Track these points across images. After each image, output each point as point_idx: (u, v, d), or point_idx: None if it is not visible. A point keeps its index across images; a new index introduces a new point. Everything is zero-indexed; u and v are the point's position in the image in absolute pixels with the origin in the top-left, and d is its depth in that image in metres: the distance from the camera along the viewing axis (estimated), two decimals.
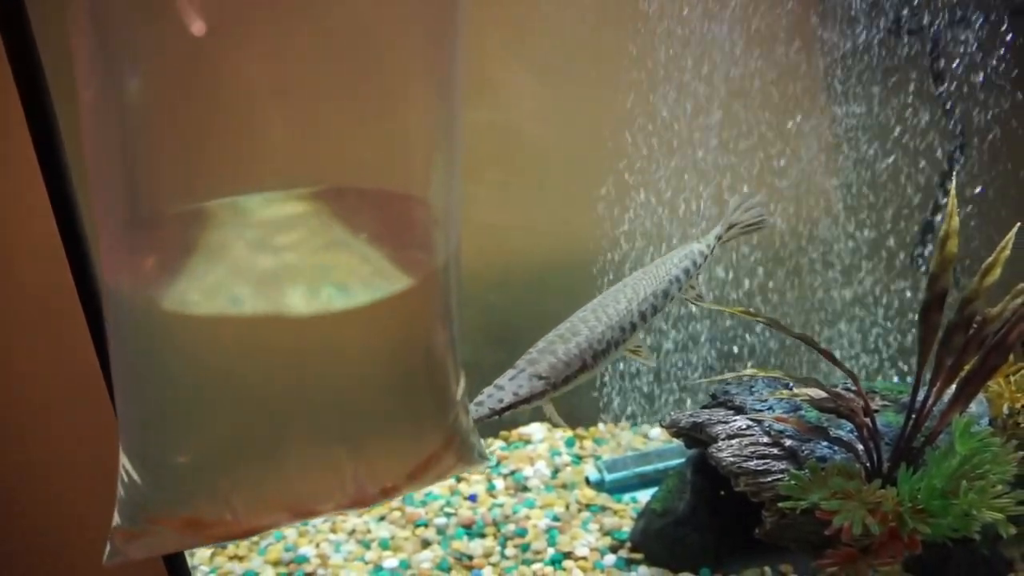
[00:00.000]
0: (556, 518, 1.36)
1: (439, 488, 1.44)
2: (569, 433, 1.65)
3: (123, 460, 0.60)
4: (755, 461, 0.96)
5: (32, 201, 0.73)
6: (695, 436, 1.02)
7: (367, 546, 1.29)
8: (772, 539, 1.01)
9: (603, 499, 1.41)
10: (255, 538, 1.27)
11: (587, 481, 1.47)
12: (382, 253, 0.59)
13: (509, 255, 1.68)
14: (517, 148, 1.58)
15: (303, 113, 0.54)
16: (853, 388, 1.01)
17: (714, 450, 0.96)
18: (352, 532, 1.32)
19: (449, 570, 1.24)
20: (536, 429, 1.65)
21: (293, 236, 0.55)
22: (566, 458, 1.56)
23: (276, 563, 1.23)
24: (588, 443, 1.63)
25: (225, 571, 1.20)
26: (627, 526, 1.32)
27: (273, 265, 0.55)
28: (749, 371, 0.82)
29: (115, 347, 0.58)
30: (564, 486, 1.46)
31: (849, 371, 0.93)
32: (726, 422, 0.98)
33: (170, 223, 0.56)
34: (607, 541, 1.30)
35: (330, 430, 0.59)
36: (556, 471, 1.51)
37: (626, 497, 1.43)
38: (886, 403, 1.18)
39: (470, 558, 1.27)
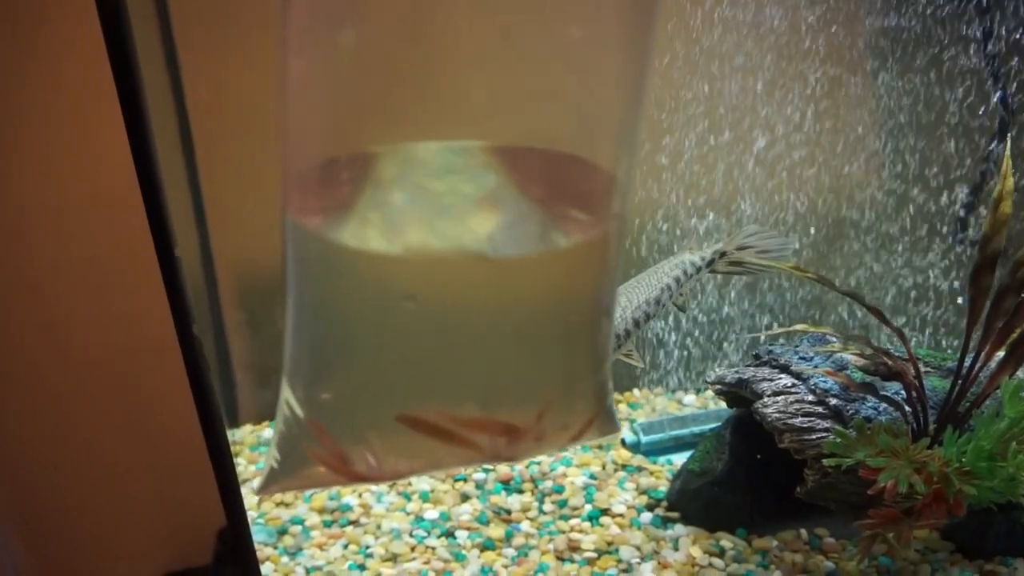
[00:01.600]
0: (593, 476, 1.38)
1: None
2: None
3: (287, 394, 0.63)
4: (800, 418, 0.97)
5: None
6: (739, 393, 1.02)
7: (408, 498, 1.32)
8: (813, 498, 1.02)
9: (639, 460, 1.43)
10: None
11: (623, 443, 1.48)
12: (558, 212, 0.59)
13: None
14: None
15: (502, 69, 0.55)
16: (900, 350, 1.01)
17: (759, 406, 0.97)
18: (393, 484, 1.35)
19: (488, 523, 1.27)
20: None
21: (475, 185, 0.56)
22: None
23: (321, 511, 1.27)
24: (623, 407, 1.65)
25: (272, 517, 1.24)
26: (663, 486, 1.34)
27: (454, 209, 0.56)
28: (800, 326, 0.82)
29: (294, 283, 0.60)
30: (600, 447, 1.48)
31: (898, 329, 0.93)
32: (771, 379, 0.99)
33: (357, 164, 0.57)
34: (644, 499, 1.31)
35: (492, 383, 0.61)
36: None
37: (661, 459, 1.44)
38: (928, 369, 1.17)
39: (508, 512, 1.29)
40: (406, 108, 0.56)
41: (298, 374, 0.62)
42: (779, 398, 0.98)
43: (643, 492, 1.33)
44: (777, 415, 0.97)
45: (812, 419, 0.97)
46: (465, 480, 1.37)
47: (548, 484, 1.36)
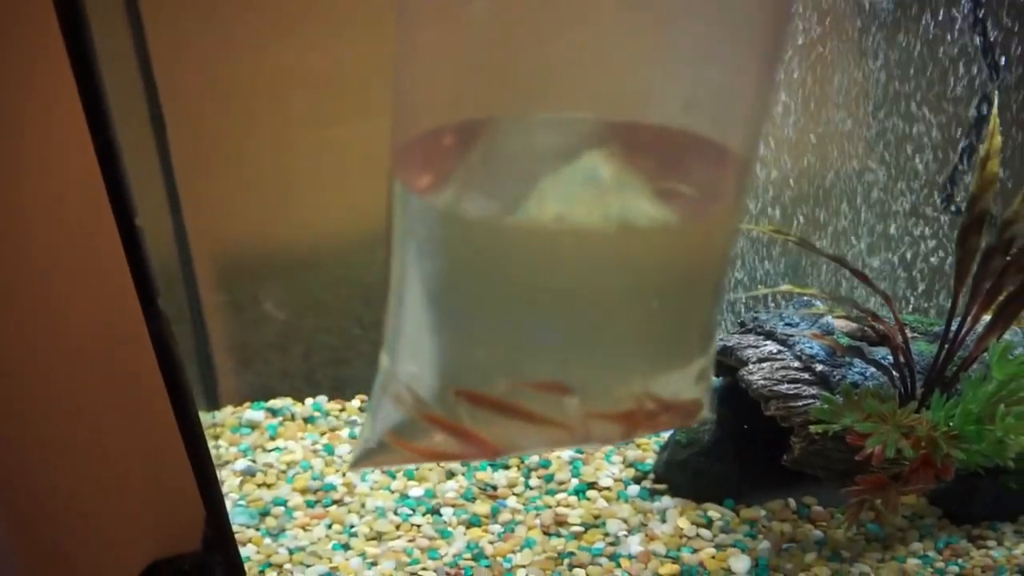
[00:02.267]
0: (579, 450, 1.36)
1: None
2: None
3: (395, 367, 0.62)
4: (786, 385, 0.95)
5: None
6: (725, 362, 1.01)
7: (393, 476, 1.30)
8: (800, 466, 1.01)
9: None
10: (281, 467, 1.29)
11: None
12: (671, 189, 0.58)
13: None
14: None
15: (626, 40, 0.54)
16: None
17: (744, 373, 0.95)
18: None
19: (474, 499, 1.25)
20: None
21: (585, 158, 0.55)
22: None
23: (304, 491, 1.25)
24: None
25: (254, 498, 1.22)
26: (650, 459, 1.33)
27: (562, 181, 0.55)
28: (785, 287, 0.80)
29: (402, 250, 0.60)
30: None
31: (884, 293, 0.92)
32: (756, 346, 0.97)
33: (468, 132, 0.57)
34: (631, 472, 1.30)
35: (592, 359, 0.59)
36: None
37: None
38: (916, 334, 1.16)
39: (494, 488, 1.28)
40: (519, 77, 0.55)
41: (410, 349, 0.61)
42: (764, 365, 0.97)
43: (630, 465, 1.32)
44: (763, 382, 0.95)
45: (798, 385, 0.95)
46: None
47: (534, 459, 1.34)
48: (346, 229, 1.60)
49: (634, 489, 1.26)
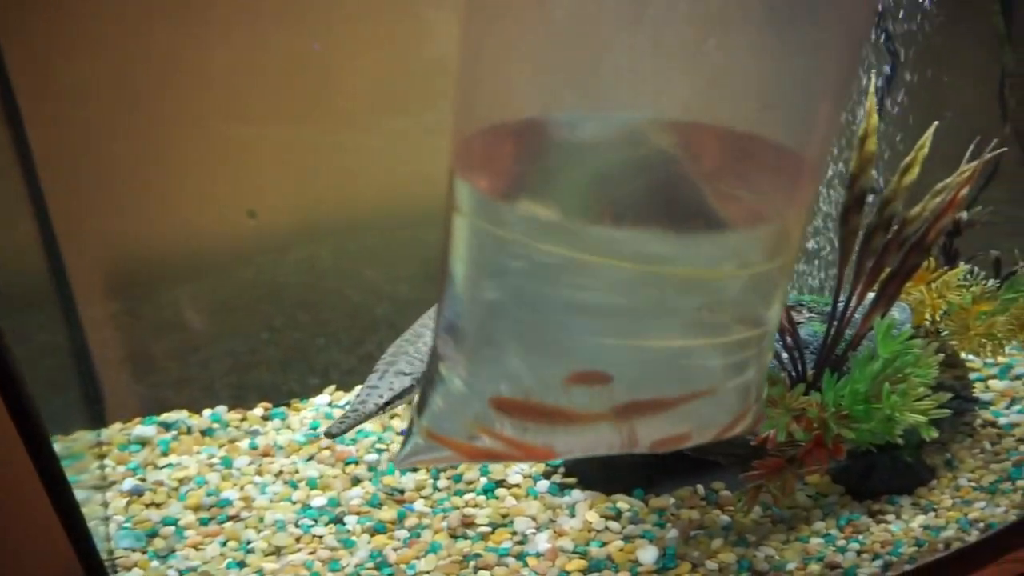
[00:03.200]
0: None
1: (371, 425, 1.40)
2: None
3: (445, 368, 0.61)
4: None
5: None
6: None
7: (294, 486, 1.25)
8: (702, 453, 1.00)
9: None
10: (172, 484, 1.22)
11: None
12: (734, 193, 0.57)
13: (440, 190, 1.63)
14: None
15: (701, 41, 0.53)
16: None
17: None
18: (279, 473, 1.28)
19: (380, 505, 1.21)
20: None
21: (649, 159, 0.55)
22: None
23: (197, 508, 1.18)
24: None
25: (141, 519, 1.15)
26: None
27: (623, 182, 0.55)
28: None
29: (458, 245, 0.59)
30: None
31: None
32: None
33: (531, 130, 0.56)
34: (541, 467, 1.28)
35: (643, 362, 0.59)
36: None
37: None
38: (812, 315, 1.16)
39: (401, 492, 1.24)
40: (586, 76, 0.55)
41: (467, 345, 0.61)
42: None
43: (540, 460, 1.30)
44: None
45: None
46: (357, 463, 1.31)
47: None
48: (254, 230, 1.53)
49: (544, 484, 1.24)
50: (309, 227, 1.57)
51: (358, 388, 1.49)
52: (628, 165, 0.56)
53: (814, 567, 1.07)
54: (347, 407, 1.08)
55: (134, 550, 1.10)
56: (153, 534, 1.13)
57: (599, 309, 0.57)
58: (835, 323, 0.96)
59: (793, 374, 0.96)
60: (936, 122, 0.90)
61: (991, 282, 1.17)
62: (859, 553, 1.09)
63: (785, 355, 0.95)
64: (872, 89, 0.92)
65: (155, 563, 1.08)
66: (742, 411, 0.64)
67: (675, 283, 0.57)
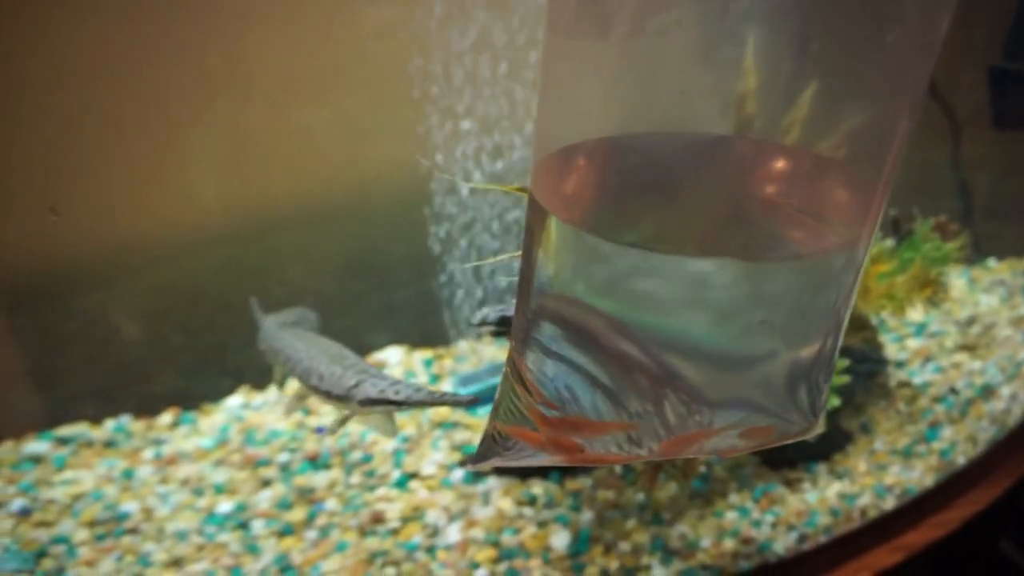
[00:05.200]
0: (405, 439, 1.29)
1: (283, 424, 1.35)
2: (429, 355, 1.58)
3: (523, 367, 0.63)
4: None
5: None
6: (508, 332, 0.95)
7: (200, 493, 1.19)
8: None
9: (458, 415, 1.35)
10: (66, 500, 1.16)
11: None
12: (800, 218, 0.58)
13: (365, 182, 1.58)
14: (369, 71, 1.46)
15: (770, 60, 0.54)
16: None
17: None
18: (185, 481, 1.22)
19: (290, 506, 1.16)
20: (392, 353, 1.58)
21: (714, 181, 0.56)
22: (423, 378, 1.49)
23: (91, 524, 1.12)
24: (448, 362, 1.57)
25: (29, 540, 1.09)
26: (479, 439, 1.26)
27: (687, 205, 0.56)
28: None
29: (539, 260, 0.61)
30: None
31: None
32: None
33: (603, 150, 0.58)
34: (457, 456, 1.24)
35: (701, 383, 0.59)
36: None
37: (482, 411, 1.37)
38: None
39: (313, 491, 1.19)
40: (659, 97, 0.56)
41: (536, 354, 0.63)
42: None
43: (457, 448, 1.26)
44: None
45: None
46: (268, 464, 1.26)
47: (357, 455, 1.26)
48: (176, 232, 1.47)
49: (458, 474, 1.20)
50: (234, 227, 1.52)
51: (280, 388, 1.46)
52: (694, 182, 0.56)
53: (728, 543, 1.05)
54: (394, 390, 0.92)
55: (20, 572, 1.04)
56: (42, 554, 1.07)
57: (659, 328, 0.58)
58: None
59: None
60: (815, 83, 0.87)
61: (889, 242, 1.15)
62: (774, 526, 1.08)
63: None
64: (750, 52, 0.88)
65: None
66: (807, 424, 0.64)
67: (735, 304, 0.57)
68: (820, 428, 0.66)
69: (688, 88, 0.56)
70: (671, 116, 0.57)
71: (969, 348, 1.40)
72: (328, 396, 0.99)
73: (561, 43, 0.58)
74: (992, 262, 1.76)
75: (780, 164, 0.57)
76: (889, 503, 1.13)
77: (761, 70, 0.55)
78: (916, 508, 1.16)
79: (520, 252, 0.82)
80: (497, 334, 0.97)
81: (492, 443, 0.70)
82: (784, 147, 0.57)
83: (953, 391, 1.31)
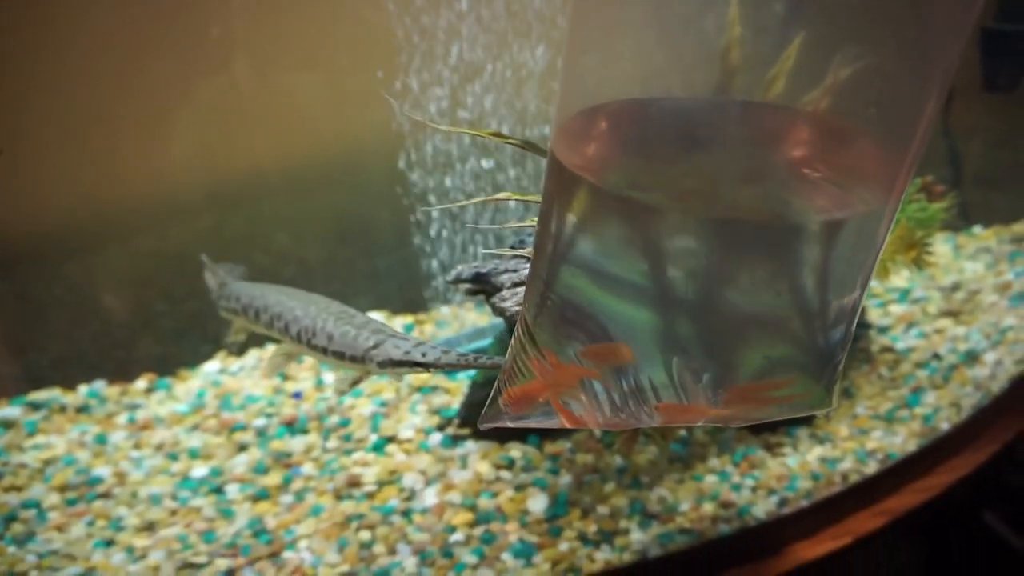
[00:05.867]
0: (383, 404, 1.27)
1: (261, 389, 1.33)
2: (410, 320, 1.56)
3: (530, 331, 0.63)
4: None
5: None
6: (484, 289, 0.93)
7: (174, 458, 1.18)
8: None
9: (437, 380, 1.34)
10: (37, 465, 1.14)
11: None
12: (823, 182, 0.57)
13: (352, 147, 1.55)
14: (357, 35, 1.42)
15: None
16: None
17: (496, 300, 0.87)
18: (159, 446, 1.20)
19: (266, 471, 1.15)
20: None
21: (736, 145, 0.54)
22: None
23: (63, 488, 1.10)
24: (429, 327, 1.55)
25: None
26: (458, 403, 1.25)
27: (709, 166, 0.55)
28: (503, 194, 0.72)
29: (555, 223, 0.60)
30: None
31: None
32: (515, 270, 0.89)
33: (625, 112, 0.57)
34: (435, 420, 1.22)
35: (718, 344, 0.59)
36: None
37: (462, 375, 1.35)
38: None
39: (289, 456, 1.18)
40: (681, 58, 0.56)
41: (549, 318, 0.62)
42: (520, 289, 0.89)
43: (435, 412, 1.24)
44: (518, 308, 0.88)
45: None
46: (244, 429, 1.24)
47: (335, 419, 1.24)
48: (163, 199, 1.44)
49: (436, 438, 1.18)
50: (219, 193, 1.49)
51: (259, 352, 1.44)
52: (716, 145, 0.55)
53: (707, 506, 1.04)
54: (426, 350, 0.86)
55: None
56: (12, 518, 1.05)
57: (679, 289, 0.58)
58: None
59: None
60: (801, 36, 0.84)
61: None
62: (754, 490, 1.07)
63: None
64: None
65: (12, 549, 1.01)
66: (824, 395, 0.65)
67: (755, 264, 0.57)
68: (833, 405, 0.65)
69: (710, 51, 0.55)
70: (698, 78, 0.56)
71: (953, 314, 1.39)
72: (341, 358, 0.94)
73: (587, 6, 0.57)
74: (978, 229, 1.74)
75: (806, 130, 0.56)
76: (871, 468, 1.12)
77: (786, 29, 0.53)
78: (899, 473, 1.15)
79: (481, 200, 0.81)
80: (472, 292, 0.95)
81: (500, 405, 0.70)
82: (811, 114, 0.55)
83: (936, 357, 1.30)
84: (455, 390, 1.30)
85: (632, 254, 0.58)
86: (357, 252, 1.68)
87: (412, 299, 1.61)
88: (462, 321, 1.58)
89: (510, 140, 0.71)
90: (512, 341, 0.67)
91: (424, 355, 0.84)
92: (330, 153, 1.57)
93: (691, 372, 0.60)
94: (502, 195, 0.72)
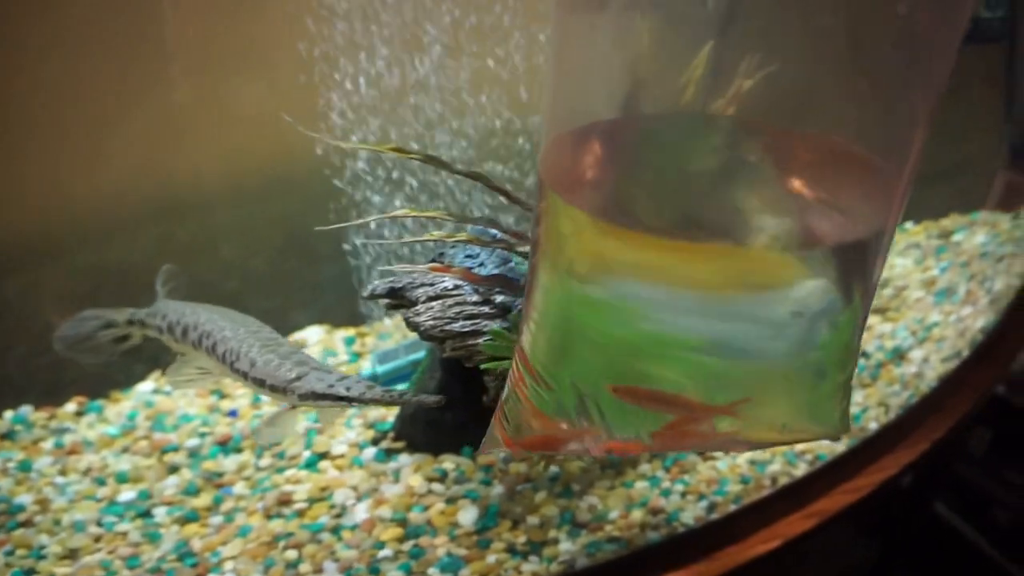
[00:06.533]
0: (317, 419, 1.26)
1: (196, 408, 1.31)
2: (351, 332, 1.55)
3: (528, 372, 0.63)
4: (461, 322, 0.88)
5: None
6: (401, 304, 0.92)
7: (102, 482, 1.15)
8: None
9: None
10: None
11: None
12: (820, 206, 0.56)
13: (299, 157, 1.54)
14: (299, 46, 1.41)
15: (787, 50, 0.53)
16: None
17: (410, 315, 0.87)
18: (87, 471, 1.18)
19: (197, 492, 1.13)
20: (313, 332, 1.54)
21: (732, 165, 0.54)
22: (343, 358, 1.46)
23: None
24: (371, 340, 1.54)
25: None
26: (392, 417, 1.24)
27: (703, 188, 0.54)
28: (400, 211, 0.72)
29: (546, 246, 0.59)
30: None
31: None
32: (431, 283, 0.89)
33: (615, 132, 0.56)
34: (370, 434, 1.21)
35: (714, 371, 0.58)
36: None
37: (401, 387, 1.34)
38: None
39: (221, 475, 1.16)
40: (668, 77, 0.55)
41: (548, 345, 0.62)
42: (435, 303, 0.89)
43: (370, 426, 1.23)
44: (432, 323, 0.87)
45: (477, 321, 0.88)
46: (176, 450, 1.22)
47: None
48: (106, 211, 1.41)
49: (370, 452, 1.17)
50: (165, 205, 1.46)
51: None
52: (710, 166, 0.55)
53: (637, 513, 1.04)
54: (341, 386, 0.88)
55: None
56: None
57: (675, 313, 0.57)
58: None
59: None
60: (711, 42, 0.85)
61: None
62: (684, 495, 1.07)
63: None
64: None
65: None
66: (815, 425, 0.64)
67: (752, 292, 0.56)
68: (847, 430, 0.65)
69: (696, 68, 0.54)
70: (685, 97, 0.55)
71: (880, 311, 1.41)
72: (260, 386, 0.93)
73: (578, 18, 0.56)
74: (910, 224, 1.77)
75: (800, 153, 0.56)
76: (800, 470, 1.14)
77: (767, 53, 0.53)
78: (828, 474, 1.17)
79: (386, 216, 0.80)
80: (392, 307, 0.95)
81: (499, 438, 0.71)
82: (803, 135, 0.55)
83: (864, 355, 1.32)
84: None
85: (629, 283, 0.57)
86: (301, 264, 1.66)
87: (353, 312, 1.60)
88: (404, 332, 1.57)
89: (412, 155, 0.71)
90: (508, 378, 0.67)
91: (348, 389, 0.84)
92: (281, 162, 1.55)
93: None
94: (399, 212, 0.71)
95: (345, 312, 1.63)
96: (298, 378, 0.89)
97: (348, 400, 0.84)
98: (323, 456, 1.18)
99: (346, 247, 1.51)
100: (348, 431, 1.22)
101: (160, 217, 1.45)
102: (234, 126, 1.46)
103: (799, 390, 0.61)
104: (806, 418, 0.63)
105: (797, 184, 0.56)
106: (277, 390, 0.90)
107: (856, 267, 0.57)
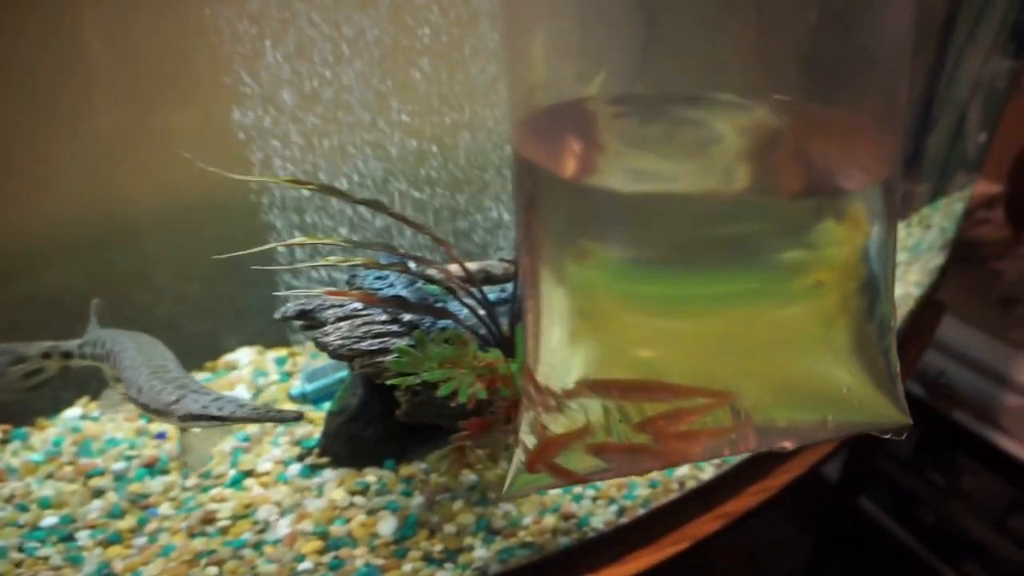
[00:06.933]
0: (246, 438, 1.28)
1: (122, 432, 1.32)
2: (283, 352, 1.57)
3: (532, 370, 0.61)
4: (370, 341, 0.92)
5: None
6: (311, 324, 0.96)
7: (24, 509, 1.16)
8: (413, 418, 0.99)
9: (304, 411, 1.35)
10: None
11: (290, 397, 1.40)
12: (827, 167, 0.56)
13: (230, 180, 1.56)
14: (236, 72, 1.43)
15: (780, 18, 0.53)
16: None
17: (319, 335, 0.91)
18: (10, 498, 1.18)
19: (122, 514, 1.14)
20: (244, 354, 1.56)
21: (736, 136, 0.53)
22: (273, 377, 1.48)
23: None
24: (303, 359, 1.56)
25: None
26: (318, 434, 1.27)
27: (703, 149, 0.53)
28: (298, 239, 0.75)
29: (536, 231, 0.57)
30: None
31: (441, 240, 0.90)
32: (340, 304, 0.93)
33: (599, 107, 0.55)
34: (296, 451, 1.24)
35: (727, 348, 0.56)
36: (258, 392, 1.42)
37: (326, 405, 1.37)
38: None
39: (147, 497, 1.17)
40: (662, 50, 0.55)
41: (548, 347, 0.60)
42: (344, 324, 0.93)
43: (297, 443, 1.26)
44: (340, 342, 0.91)
45: (385, 339, 0.92)
46: (102, 474, 1.23)
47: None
48: (43, 239, 1.41)
49: (295, 469, 1.20)
50: (99, 232, 1.47)
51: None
52: (704, 137, 0.54)
53: (549, 519, 1.09)
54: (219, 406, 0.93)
55: None
56: None
57: (673, 285, 0.56)
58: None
59: (487, 334, 0.96)
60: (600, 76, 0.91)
61: None
62: (594, 500, 1.12)
63: (484, 313, 0.95)
64: None
65: None
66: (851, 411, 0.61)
67: (749, 252, 0.55)
68: (908, 420, 0.61)
69: (669, 42, 0.55)
70: (655, 72, 0.56)
71: None
72: (147, 410, 0.97)
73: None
74: None
75: (790, 115, 0.55)
76: (708, 473, 1.20)
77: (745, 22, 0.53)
78: (735, 477, 1.23)
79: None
80: (306, 328, 0.98)
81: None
82: (793, 101, 0.55)
83: None
84: (318, 420, 1.32)
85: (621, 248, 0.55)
86: (238, 286, 1.68)
87: (284, 333, 1.62)
88: None
89: (307, 185, 0.75)
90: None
91: (220, 409, 0.89)
92: (213, 185, 1.57)
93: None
94: (296, 240, 0.75)
95: (277, 333, 1.65)
96: (176, 400, 0.93)
97: (221, 419, 0.91)
98: (249, 474, 1.20)
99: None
100: (274, 448, 1.25)
101: (96, 244, 1.45)
102: (166, 152, 1.48)
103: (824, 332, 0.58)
104: (846, 371, 0.59)
105: (793, 144, 0.56)
106: (160, 413, 0.95)
107: (857, 228, 0.57)
